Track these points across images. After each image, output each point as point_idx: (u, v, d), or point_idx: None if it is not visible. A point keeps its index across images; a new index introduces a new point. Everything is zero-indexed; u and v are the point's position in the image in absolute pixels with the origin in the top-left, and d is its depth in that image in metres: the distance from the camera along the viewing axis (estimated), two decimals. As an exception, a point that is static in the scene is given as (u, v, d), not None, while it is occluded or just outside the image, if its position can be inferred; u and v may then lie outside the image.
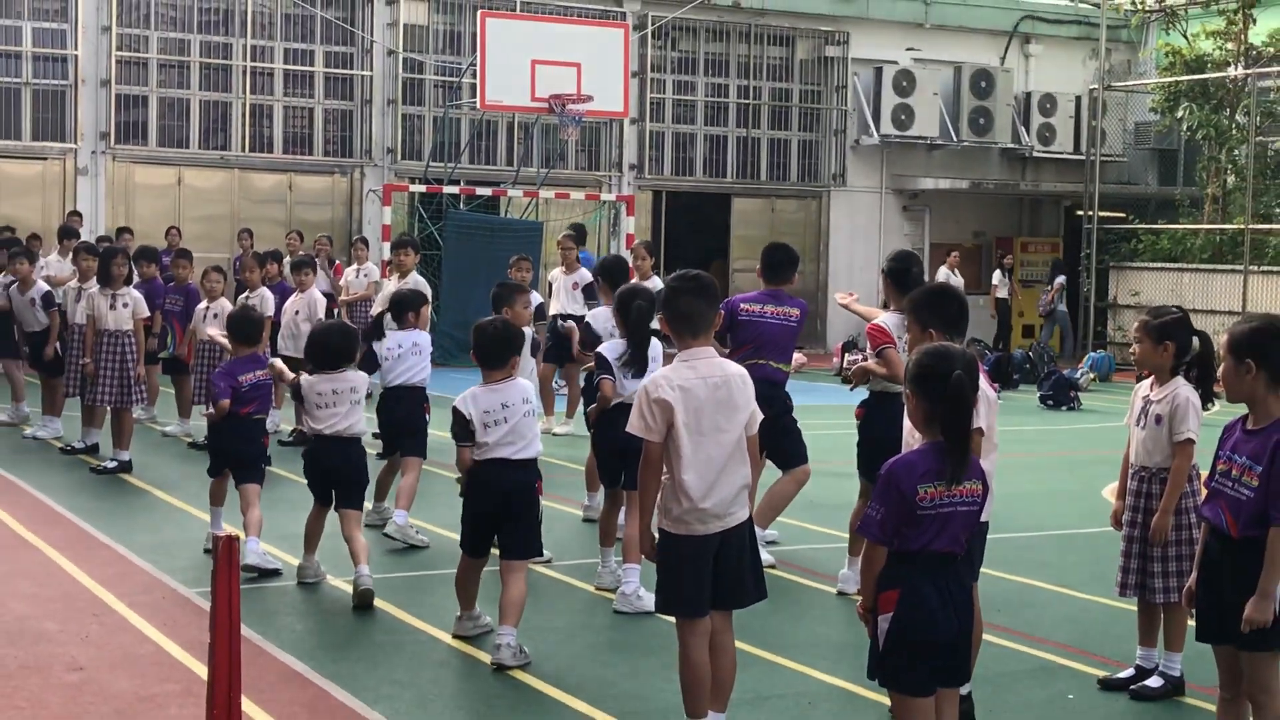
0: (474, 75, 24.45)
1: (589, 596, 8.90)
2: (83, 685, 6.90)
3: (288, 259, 17.92)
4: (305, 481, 9.17)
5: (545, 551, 9.64)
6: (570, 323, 11.32)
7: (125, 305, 13.34)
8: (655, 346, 8.67)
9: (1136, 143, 31.93)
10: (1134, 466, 7.02)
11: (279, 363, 10.04)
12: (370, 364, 10.29)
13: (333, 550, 9.16)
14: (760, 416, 6.07)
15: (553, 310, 16.02)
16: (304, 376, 8.95)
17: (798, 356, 9.82)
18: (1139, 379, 7.37)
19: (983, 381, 6.13)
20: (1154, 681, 7.02)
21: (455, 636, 7.81)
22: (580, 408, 10.71)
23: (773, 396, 8.98)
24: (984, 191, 30.56)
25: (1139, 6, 30.55)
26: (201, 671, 6.55)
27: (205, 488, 9.90)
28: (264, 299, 14.57)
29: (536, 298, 15.07)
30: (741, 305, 9.57)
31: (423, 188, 24.59)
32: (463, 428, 7.33)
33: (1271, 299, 25.45)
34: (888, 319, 8.10)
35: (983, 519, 6.17)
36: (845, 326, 28.92)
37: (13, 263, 15.25)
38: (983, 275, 30.27)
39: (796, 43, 29.49)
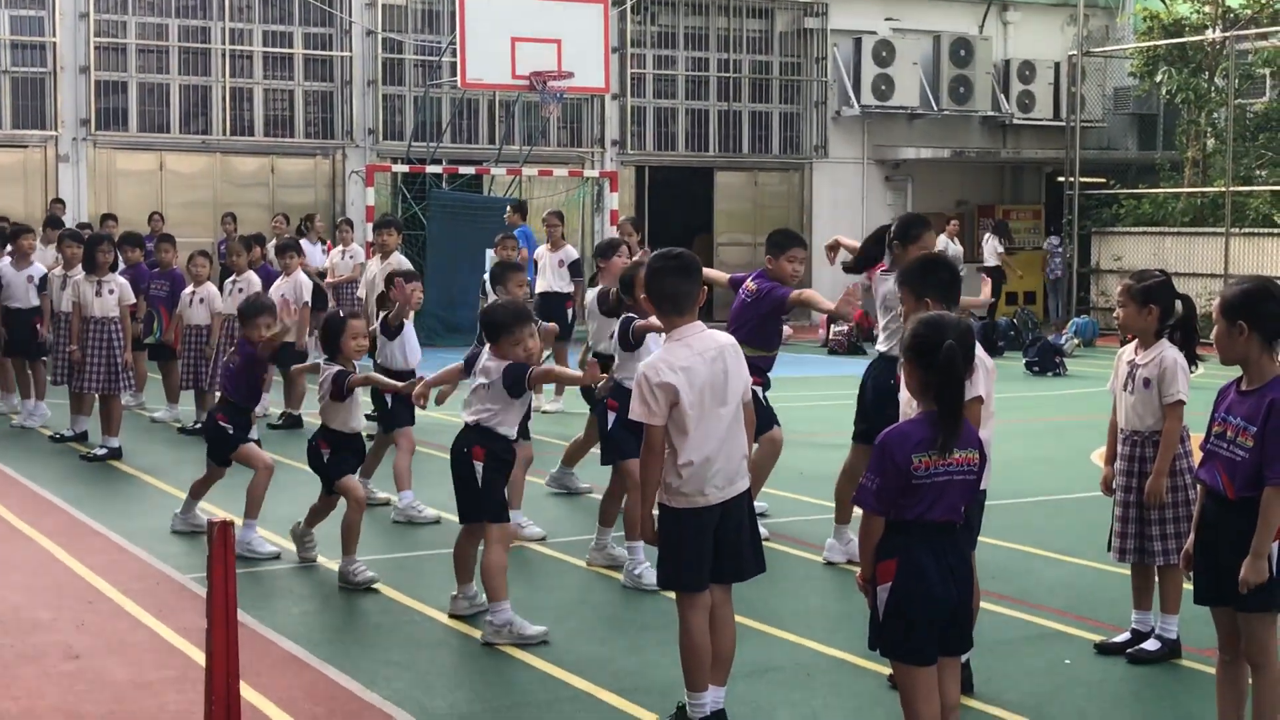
0: (454, 54, 24.37)
1: (585, 573, 8.91)
2: (79, 674, 6.89)
3: (272, 243, 17.87)
4: (299, 465, 9.15)
5: (536, 528, 9.69)
6: (553, 324, 11.31)
7: (111, 292, 13.30)
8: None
9: (1116, 108, 31.95)
10: (1124, 431, 7.04)
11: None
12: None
13: (326, 533, 9.16)
14: (750, 381, 6.11)
15: (539, 288, 16.00)
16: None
17: (786, 329, 9.83)
18: (1123, 343, 7.41)
19: (980, 350, 6.15)
20: (1151, 644, 7.07)
21: (451, 615, 7.82)
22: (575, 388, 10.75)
23: None
24: (966, 160, 30.58)
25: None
26: (198, 657, 6.56)
27: (195, 473, 9.88)
28: (251, 283, 14.54)
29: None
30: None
31: (405, 168, 24.53)
32: None
33: (1253, 261, 25.50)
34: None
35: (981, 487, 6.21)
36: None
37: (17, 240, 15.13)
38: (966, 245, 30.24)
39: (775, 15, 29.44)
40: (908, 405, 5.79)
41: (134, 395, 15.35)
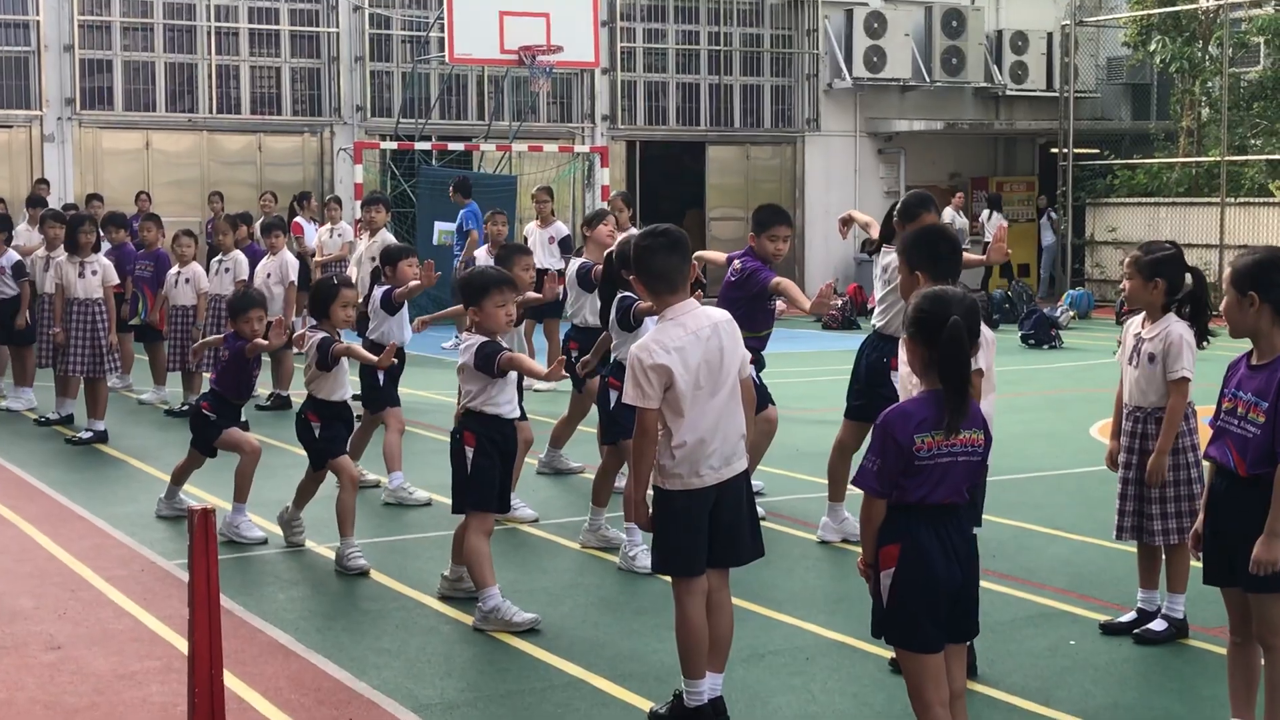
0: (442, 29, 24.11)
1: (578, 555, 8.74)
2: (60, 664, 6.72)
3: (259, 221, 17.67)
4: (288, 446, 8.97)
5: (529, 510, 9.52)
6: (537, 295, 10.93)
7: (94, 273, 13.10)
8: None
9: (1109, 78, 31.73)
10: (1128, 406, 6.88)
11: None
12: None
13: (314, 516, 8.99)
14: (748, 356, 5.93)
15: (530, 265, 15.78)
16: None
17: (779, 304, 9.63)
18: (1118, 316, 7.26)
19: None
20: (1157, 625, 6.91)
21: (438, 597, 7.67)
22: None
23: None
24: (959, 132, 30.35)
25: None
26: (182, 646, 6.37)
27: (183, 456, 9.69)
28: (237, 262, 14.37)
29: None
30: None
31: (394, 145, 24.30)
32: None
33: (1248, 230, 25.37)
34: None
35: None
36: (823, 272, 28.79)
37: None
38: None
39: (766, -13, 29.20)
40: (907, 381, 5.61)
41: (120, 377, 15.16)
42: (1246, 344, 5.36)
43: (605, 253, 9.33)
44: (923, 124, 29.59)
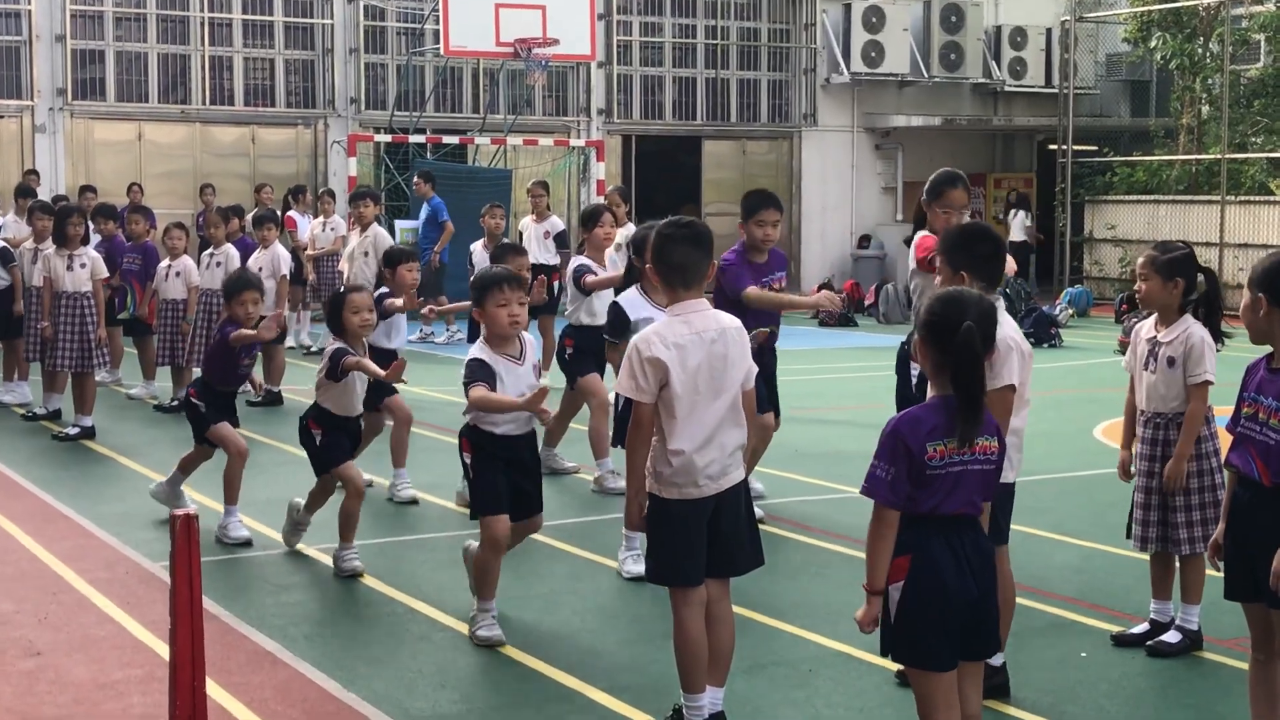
0: (437, 21, 23.89)
1: (574, 560, 8.53)
2: (39, 672, 6.51)
3: (251, 214, 17.44)
4: (280, 444, 8.74)
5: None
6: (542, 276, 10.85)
7: (83, 266, 12.87)
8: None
9: (1108, 74, 31.54)
10: (1146, 413, 6.63)
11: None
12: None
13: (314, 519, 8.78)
14: (755, 370, 5.68)
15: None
16: None
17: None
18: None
19: (1015, 333, 5.74)
20: (1171, 636, 6.70)
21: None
22: (555, 361, 10.38)
23: None
24: (957, 128, 30.15)
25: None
26: (166, 654, 6.16)
27: (171, 453, 9.47)
28: (229, 256, 14.13)
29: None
30: None
31: (388, 138, 24.08)
32: None
33: (1249, 229, 25.20)
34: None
35: (1011, 479, 5.81)
36: (819, 268, 28.62)
37: None
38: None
39: (763, -20, 28.98)
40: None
41: (110, 372, 14.93)
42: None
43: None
44: (920, 120, 29.39)
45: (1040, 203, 30.08)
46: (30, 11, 23.85)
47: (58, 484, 10.54)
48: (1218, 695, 6.27)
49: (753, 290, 8.48)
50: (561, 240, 16.13)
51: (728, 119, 28.82)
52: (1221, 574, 5.34)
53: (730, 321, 5.61)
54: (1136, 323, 6.95)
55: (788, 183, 29.11)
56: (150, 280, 14.38)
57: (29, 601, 7.58)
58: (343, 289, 8.73)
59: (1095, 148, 29.64)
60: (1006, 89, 30.23)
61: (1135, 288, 6.68)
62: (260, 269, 14.33)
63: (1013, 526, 9.01)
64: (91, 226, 14.64)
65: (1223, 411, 5.67)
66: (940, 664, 4.69)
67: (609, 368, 9.13)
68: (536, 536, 8.92)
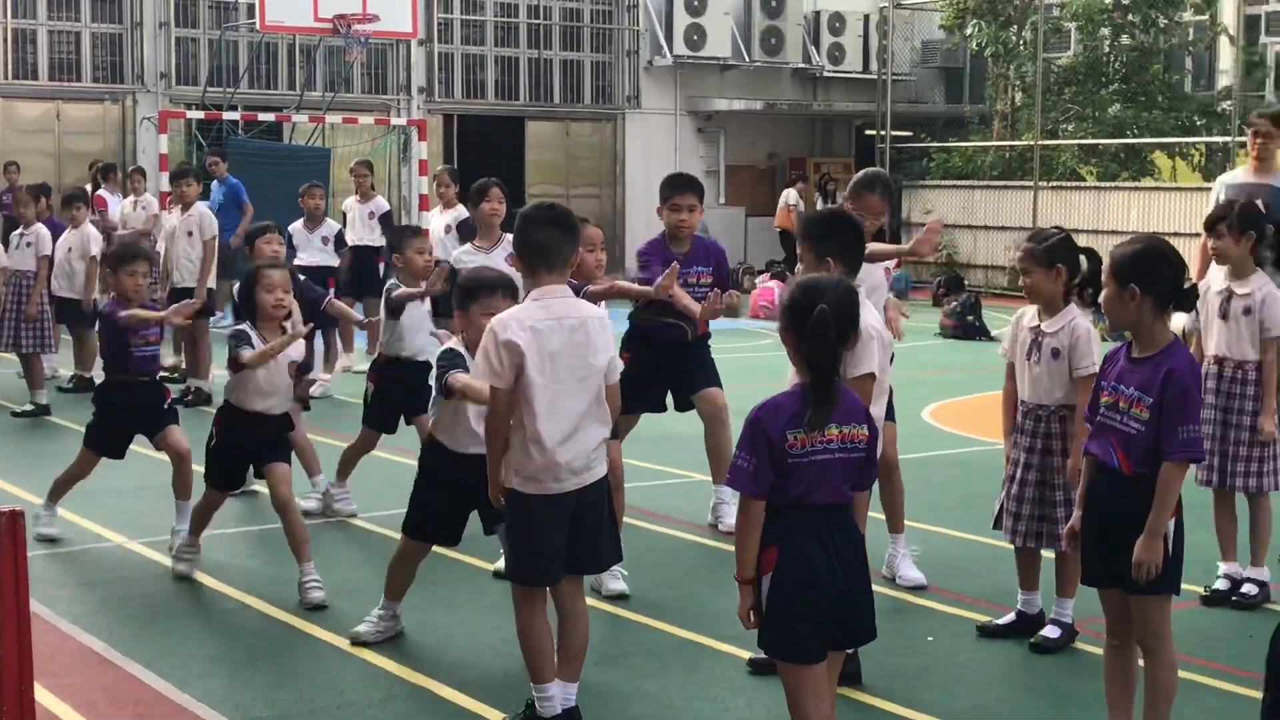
0: (252, -5, 23.27)
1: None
2: None
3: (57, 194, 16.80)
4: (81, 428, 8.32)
5: (353, 504, 9.06)
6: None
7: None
8: None
9: (924, 61, 32.01)
10: (1028, 404, 6.49)
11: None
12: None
13: (125, 508, 8.42)
14: (620, 365, 5.51)
15: (350, 241, 15.22)
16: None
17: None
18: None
19: (877, 321, 5.67)
20: (1052, 631, 6.59)
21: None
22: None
23: None
24: (778, 112, 30.32)
25: (926, -76, 30.55)
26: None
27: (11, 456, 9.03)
28: (40, 236, 13.54)
29: (334, 225, 14.38)
30: None
31: (201, 114, 23.38)
32: None
33: (1061, 214, 25.71)
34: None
35: None
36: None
37: None
38: (776, 198, 30.23)
39: (586, -39, 28.83)
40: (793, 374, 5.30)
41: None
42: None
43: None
44: (742, 104, 29.50)
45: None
46: None
47: None
48: (1066, 679, 6.29)
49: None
50: (386, 221, 15.78)
51: (551, 100, 28.62)
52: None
53: (593, 311, 5.44)
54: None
55: (611, 165, 29.02)
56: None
57: None
58: (256, 265, 7.77)
59: (911, 134, 30.06)
60: (826, 74, 30.49)
61: (1020, 283, 6.60)
62: (70, 249, 13.80)
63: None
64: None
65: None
66: (810, 656, 4.59)
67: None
68: (372, 526, 8.68)
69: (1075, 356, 6.34)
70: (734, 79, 29.79)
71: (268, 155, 22.81)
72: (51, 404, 12.73)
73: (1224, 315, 7.30)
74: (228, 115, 23.27)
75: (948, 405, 13.57)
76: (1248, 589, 7.28)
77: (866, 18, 30.61)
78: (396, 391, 8.63)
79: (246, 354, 7.25)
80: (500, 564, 7.21)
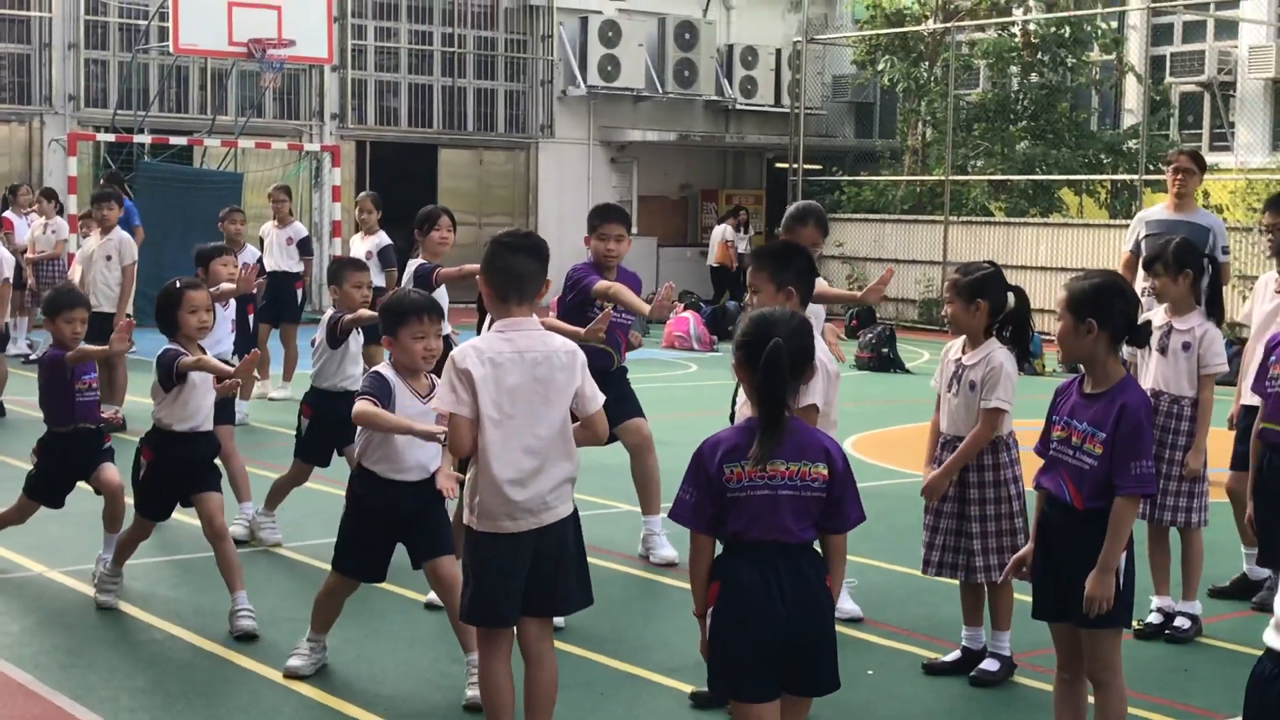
0: (163, 18, 23.02)
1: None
2: None
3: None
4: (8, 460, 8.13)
5: (278, 534, 8.90)
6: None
7: None
8: None
9: (834, 95, 32.29)
10: (946, 435, 6.53)
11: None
12: None
13: (46, 536, 8.22)
14: (601, 397, 5.30)
15: (269, 267, 15.02)
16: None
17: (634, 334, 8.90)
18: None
19: (823, 353, 5.66)
20: (991, 665, 6.57)
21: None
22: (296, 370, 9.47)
23: None
24: (690, 144, 30.47)
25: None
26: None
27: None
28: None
29: (254, 253, 14.19)
30: None
31: (111, 137, 23.07)
32: None
33: (971, 248, 25.98)
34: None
35: None
36: (557, 279, 28.41)
37: None
38: (688, 229, 30.43)
39: (501, -10, 28.81)
40: (744, 407, 5.27)
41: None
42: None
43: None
44: (655, 134, 29.61)
45: (770, 220, 30.55)
46: None
47: None
48: (1006, 710, 6.30)
49: (611, 285, 8.15)
50: (305, 247, 15.61)
51: (464, 128, 28.55)
52: (1026, 591, 5.35)
53: (560, 344, 5.23)
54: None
55: (524, 193, 28.98)
56: None
57: None
58: (177, 284, 7.53)
59: (821, 167, 30.28)
60: (738, 107, 30.70)
61: (943, 311, 6.67)
62: (127, 317, 13.43)
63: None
64: None
65: (1029, 440, 5.65)
66: (752, 694, 4.53)
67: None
68: (295, 555, 8.54)
69: (985, 389, 6.34)
70: (647, 110, 29.89)
71: (179, 179, 22.59)
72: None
73: (1163, 350, 7.38)
74: (139, 138, 22.98)
75: (868, 437, 13.63)
76: (1180, 623, 7.34)
77: (779, 51, 30.86)
78: (331, 423, 8.47)
79: (188, 359, 7.19)
80: (432, 595, 7.15)
